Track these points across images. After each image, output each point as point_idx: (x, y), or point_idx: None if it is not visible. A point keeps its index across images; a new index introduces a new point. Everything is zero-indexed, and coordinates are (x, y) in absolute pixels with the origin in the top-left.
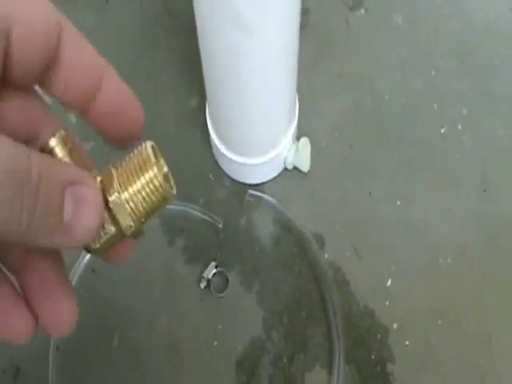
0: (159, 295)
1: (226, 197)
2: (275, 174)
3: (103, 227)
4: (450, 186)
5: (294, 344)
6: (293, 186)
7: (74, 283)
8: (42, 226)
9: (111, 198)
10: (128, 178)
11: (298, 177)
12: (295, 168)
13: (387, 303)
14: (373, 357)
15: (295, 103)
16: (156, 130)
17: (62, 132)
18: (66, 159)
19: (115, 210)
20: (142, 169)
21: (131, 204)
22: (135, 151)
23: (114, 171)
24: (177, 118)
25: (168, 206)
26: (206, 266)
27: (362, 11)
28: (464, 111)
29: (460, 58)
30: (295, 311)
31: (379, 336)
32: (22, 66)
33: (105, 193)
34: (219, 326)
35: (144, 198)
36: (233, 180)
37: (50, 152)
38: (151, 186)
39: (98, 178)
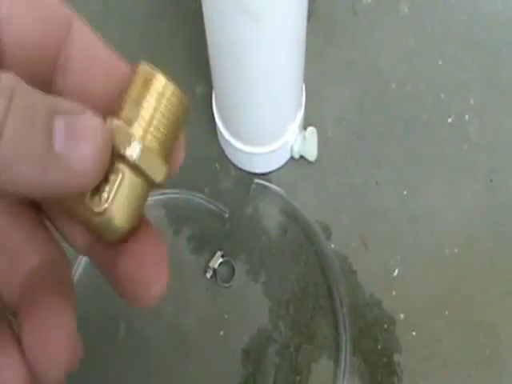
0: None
1: (232, 186)
2: (282, 163)
3: (114, 181)
4: (457, 175)
5: (301, 334)
6: (299, 175)
7: (78, 273)
8: (21, 144)
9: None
10: (135, 104)
11: (304, 166)
12: (302, 157)
13: (394, 293)
14: (379, 347)
15: (302, 92)
16: None
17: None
18: None
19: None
20: (146, 86)
21: (152, 130)
22: (130, 78)
23: (118, 108)
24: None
25: (174, 195)
26: (212, 256)
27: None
28: (471, 101)
29: (467, 47)
30: (301, 301)
31: (386, 326)
32: None
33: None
34: (225, 316)
35: (163, 117)
36: (239, 169)
37: None
38: (165, 98)
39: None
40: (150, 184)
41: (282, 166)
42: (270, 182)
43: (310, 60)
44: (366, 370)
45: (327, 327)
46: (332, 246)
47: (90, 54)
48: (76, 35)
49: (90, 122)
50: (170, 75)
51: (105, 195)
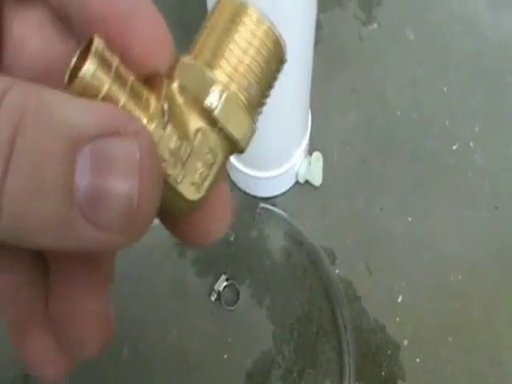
0: (169, 307)
1: (238, 210)
2: (287, 188)
3: (208, 163)
4: (462, 202)
5: (305, 358)
6: (304, 199)
7: None
8: (29, 203)
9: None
10: (218, 44)
11: (309, 191)
12: (307, 182)
13: (398, 319)
14: (383, 373)
15: (308, 117)
16: None
17: (99, 44)
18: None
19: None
20: (232, 22)
21: (238, 77)
22: (210, 12)
23: (195, 48)
24: None
25: None
26: (216, 279)
27: (375, 25)
28: (476, 128)
29: (472, 74)
30: (305, 325)
31: (390, 352)
32: None
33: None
34: (229, 339)
35: (253, 62)
36: (244, 193)
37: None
38: (258, 38)
39: (178, 97)
40: (231, 148)
41: (288, 191)
42: (275, 206)
43: (315, 86)
44: None
45: (331, 352)
46: (337, 271)
47: None
48: None
49: (125, 148)
50: None
51: (202, 183)
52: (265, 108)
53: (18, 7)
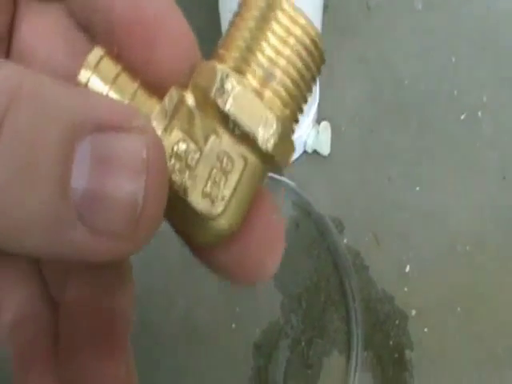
0: (177, 279)
1: None
2: (295, 157)
3: (228, 170)
4: (470, 173)
5: (313, 328)
6: (312, 169)
7: None
8: (15, 195)
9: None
10: (249, 43)
11: (317, 160)
12: (315, 151)
13: (406, 289)
14: (391, 343)
15: (316, 87)
16: None
17: (94, 56)
18: (108, 91)
19: (240, 108)
20: (265, 16)
21: (273, 82)
22: (239, 7)
23: (223, 48)
24: None
25: None
26: None
27: None
28: (484, 98)
29: (481, 44)
30: (314, 295)
31: (398, 322)
32: None
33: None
34: (237, 309)
35: (290, 63)
36: None
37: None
38: (295, 36)
39: (189, 98)
40: (255, 151)
41: (295, 160)
42: (282, 175)
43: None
44: (378, 365)
45: (339, 322)
46: (345, 240)
47: None
48: None
49: (131, 145)
50: None
51: (218, 193)
52: None
53: (34, 7)
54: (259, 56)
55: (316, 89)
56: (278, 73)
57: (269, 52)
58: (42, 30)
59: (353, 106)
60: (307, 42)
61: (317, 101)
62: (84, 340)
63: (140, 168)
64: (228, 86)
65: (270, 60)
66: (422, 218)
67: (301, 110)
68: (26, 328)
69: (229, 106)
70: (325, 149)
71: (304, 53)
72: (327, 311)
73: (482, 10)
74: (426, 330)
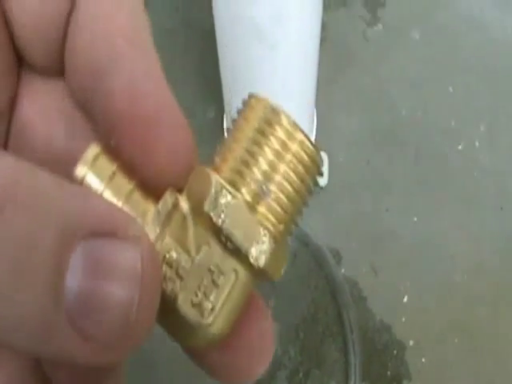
0: None
1: None
2: None
3: (220, 284)
4: (467, 202)
5: (310, 359)
6: (310, 200)
7: None
8: (6, 298)
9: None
10: (245, 154)
11: (315, 191)
12: None
13: (404, 319)
14: (389, 373)
15: (313, 117)
16: None
17: (91, 153)
18: (104, 190)
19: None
20: (263, 129)
21: (267, 198)
22: (238, 115)
23: (221, 157)
24: (194, 130)
25: None
26: None
27: (380, 26)
28: (481, 128)
29: (478, 74)
30: (311, 326)
31: (395, 352)
32: (29, 33)
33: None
34: None
35: (286, 177)
36: None
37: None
38: (292, 151)
39: (183, 204)
40: (247, 267)
41: None
42: None
43: (321, 86)
44: None
45: (337, 352)
46: (342, 271)
47: (96, 30)
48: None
49: (128, 256)
50: (181, 102)
51: (208, 305)
52: None
53: (36, 84)
54: (255, 170)
55: (313, 120)
56: (273, 188)
57: (264, 167)
58: (42, 108)
59: (350, 136)
60: (304, 157)
61: (314, 132)
62: None
63: (134, 278)
64: (222, 200)
65: (266, 175)
66: (419, 248)
67: (295, 224)
68: None
69: (222, 221)
70: (322, 180)
71: (300, 168)
72: (325, 342)
73: (479, 40)
74: (423, 360)
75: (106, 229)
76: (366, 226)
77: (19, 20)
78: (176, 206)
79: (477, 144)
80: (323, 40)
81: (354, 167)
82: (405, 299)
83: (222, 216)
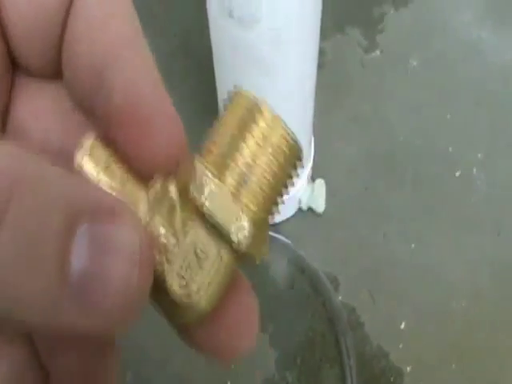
0: (172, 334)
1: None
2: (290, 215)
3: (205, 264)
4: (465, 229)
5: None
6: (307, 226)
7: None
8: (19, 271)
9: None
10: (229, 145)
11: (312, 218)
12: (310, 209)
13: (401, 346)
14: None
15: (311, 144)
16: None
17: (92, 141)
18: (100, 178)
19: (217, 208)
20: (246, 122)
21: (248, 188)
22: (224, 108)
23: (207, 148)
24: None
25: None
26: None
27: (378, 53)
28: (479, 155)
29: (476, 100)
30: (309, 352)
31: (392, 379)
32: (24, 35)
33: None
34: (232, 366)
35: (266, 169)
36: None
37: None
38: (272, 144)
39: (172, 188)
40: (230, 246)
41: (290, 217)
42: (278, 232)
43: (318, 112)
44: None
45: (334, 378)
46: (340, 297)
47: (96, 25)
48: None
49: (128, 236)
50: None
51: (194, 286)
52: None
53: (32, 85)
54: (238, 158)
55: (311, 145)
56: (254, 178)
57: (247, 156)
58: (39, 108)
59: (347, 163)
60: (284, 148)
61: (311, 158)
62: None
63: (133, 254)
64: (206, 187)
65: (248, 164)
66: (417, 274)
67: (277, 209)
68: None
69: (204, 205)
70: (320, 206)
71: (281, 159)
72: (322, 368)
73: (477, 67)
74: None
75: (105, 212)
76: (363, 253)
77: (12, 18)
78: (165, 191)
79: (474, 171)
80: (321, 66)
81: (352, 193)
82: (402, 326)
83: (206, 202)
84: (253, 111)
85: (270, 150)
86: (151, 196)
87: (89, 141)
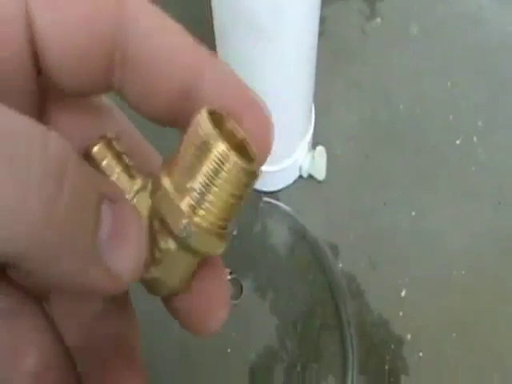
0: None
1: None
2: (290, 182)
3: (162, 251)
4: (465, 197)
5: (308, 353)
6: (308, 194)
7: None
8: (68, 233)
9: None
10: (188, 167)
11: (313, 185)
12: (310, 176)
13: (401, 314)
14: (386, 367)
15: (311, 111)
16: (169, 148)
17: (106, 140)
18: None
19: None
20: (201, 147)
21: (205, 203)
22: (189, 131)
23: (170, 165)
24: None
25: None
26: None
27: (378, 20)
28: (479, 123)
29: (476, 69)
30: (309, 320)
31: (393, 346)
32: (59, 65)
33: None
34: (233, 334)
35: (221, 189)
36: None
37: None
38: (223, 172)
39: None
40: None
41: (291, 185)
42: (278, 200)
43: (319, 80)
44: None
45: (334, 346)
46: (340, 265)
47: (152, 44)
48: (132, 22)
49: (135, 220)
50: None
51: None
52: (269, 102)
53: (61, 108)
54: (194, 183)
55: (312, 113)
56: (209, 199)
57: (202, 180)
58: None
59: (348, 130)
60: (239, 174)
61: (312, 126)
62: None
63: (142, 225)
64: (162, 196)
65: (204, 187)
66: (417, 242)
67: (231, 223)
68: (48, 378)
69: (185, 240)
70: (320, 174)
71: (234, 182)
72: (322, 336)
73: (478, 36)
74: (421, 354)
75: (117, 197)
76: (364, 221)
77: (56, 53)
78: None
79: (475, 139)
80: (321, 34)
81: (353, 161)
82: (403, 293)
83: (188, 238)
84: (208, 139)
85: (224, 175)
86: (136, 186)
87: (104, 137)
